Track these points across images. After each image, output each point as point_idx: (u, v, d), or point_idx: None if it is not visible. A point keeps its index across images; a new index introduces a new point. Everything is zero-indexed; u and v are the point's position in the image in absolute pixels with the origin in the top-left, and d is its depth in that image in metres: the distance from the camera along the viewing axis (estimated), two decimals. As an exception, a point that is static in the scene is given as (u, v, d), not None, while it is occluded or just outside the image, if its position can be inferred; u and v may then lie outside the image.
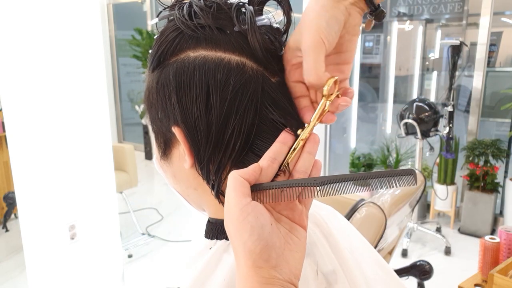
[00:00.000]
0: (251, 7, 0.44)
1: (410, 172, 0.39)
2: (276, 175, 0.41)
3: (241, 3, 0.45)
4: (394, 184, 0.39)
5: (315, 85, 0.42)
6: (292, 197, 0.39)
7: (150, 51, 0.47)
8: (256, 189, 0.39)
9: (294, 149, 0.42)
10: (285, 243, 0.38)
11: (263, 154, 0.41)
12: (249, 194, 0.37)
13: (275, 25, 0.46)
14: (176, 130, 0.44)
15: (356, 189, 0.40)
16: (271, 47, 0.44)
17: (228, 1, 0.45)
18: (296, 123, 0.44)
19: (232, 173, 0.38)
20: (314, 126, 0.43)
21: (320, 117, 0.43)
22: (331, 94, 0.42)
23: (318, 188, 0.39)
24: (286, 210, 0.40)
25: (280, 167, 0.41)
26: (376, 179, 0.39)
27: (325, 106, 0.43)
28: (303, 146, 0.42)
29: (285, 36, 0.47)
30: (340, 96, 0.44)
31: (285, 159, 0.41)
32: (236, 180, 0.37)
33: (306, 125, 0.43)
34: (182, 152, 0.46)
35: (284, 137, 0.41)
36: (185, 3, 0.45)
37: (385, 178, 0.39)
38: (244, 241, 0.36)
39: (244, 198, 0.37)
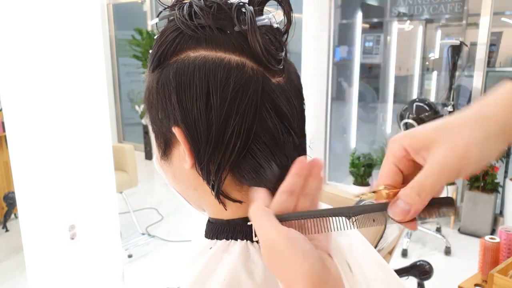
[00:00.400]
0: (251, 7, 0.44)
1: (451, 202, 0.36)
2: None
3: (241, 3, 0.44)
4: (435, 215, 0.37)
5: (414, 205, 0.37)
6: (321, 228, 0.38)
7: (150, 51, 0.47)
8: (282, 220, 0.37)
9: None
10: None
11: (260, 157, 0.41)
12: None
13: (275, 25, 0.46)
14: (176, 130, 0.44)
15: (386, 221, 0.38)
16: (271, 47, 0.44)
17: (229, 1, 0.45)
18: (292, 124, 0.44)
19: (257, 205, 0.38)
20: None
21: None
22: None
23: (353, 218, 0.37)
24: (316, 238, 0.39)
25: None
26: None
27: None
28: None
29: (285, 36, 0.47)
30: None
31: None
32: (266, 211, 0.37)
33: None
34: (182, 152, 0.46)
35: (299, 168, 0.40)
36: (185, 3, 0.45)
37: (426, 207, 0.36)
38: (300, 266, 0.34)
39: (281, 227, 0.36)
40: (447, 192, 3.25)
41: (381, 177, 0.40)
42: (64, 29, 1.80)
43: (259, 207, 0.38)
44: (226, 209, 0.47)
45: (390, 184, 0.39)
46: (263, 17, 0.45)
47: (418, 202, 0.36)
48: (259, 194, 0.42)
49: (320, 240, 0.39)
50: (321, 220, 0.37)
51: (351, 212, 0.36)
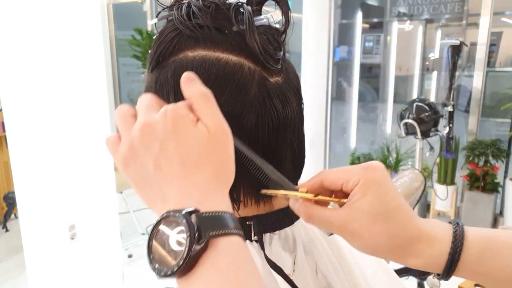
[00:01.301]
0: (249, 7, 0.44)
1: None
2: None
3: (239, 3, 0.45)
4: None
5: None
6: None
7: (149, 51, 0.47)
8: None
9: None
10: None
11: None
12: None
13: (274, 25, 0.46)
14: None
15: None
16: (270, 47, 0.44)
17: (227, 1, 0.45)
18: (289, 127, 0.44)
19: (207, 92, 0.38)
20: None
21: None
22: None
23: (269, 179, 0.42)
24: None
25: None
26: None
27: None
28: None
29: (283, 36, 0.47)
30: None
31: None
32: (214, 100, 0.39)
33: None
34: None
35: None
36: (184, 3, 0.45)
37: None
38: (226, 159, 0.37)
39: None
40: (447, 192, 3.25)
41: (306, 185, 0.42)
42: (64, 29, 1.80)
43: (210, 94, 0.38)
44: None
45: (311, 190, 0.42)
46: (261, 17, 0.45)
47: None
48: None
49: None
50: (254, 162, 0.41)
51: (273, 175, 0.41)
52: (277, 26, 0.46)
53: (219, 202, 0.35)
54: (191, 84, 0.38)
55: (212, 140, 0.36)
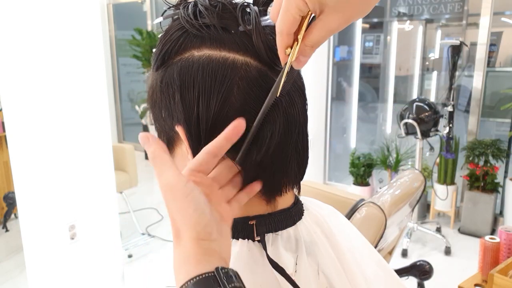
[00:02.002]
0: (256, 7, 0.44)
1: None
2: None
3: (246, 3, 0.45)
4: None
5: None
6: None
7: (154, 50, 0.47)
8: None
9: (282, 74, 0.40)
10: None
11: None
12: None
13: None
14: (179, 129, 0.44)
15: None
16: (275, 47, 0.44)
17: (233, 1, 0.45)
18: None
19: (162, 150, 0.39)
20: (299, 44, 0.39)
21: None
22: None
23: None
24: (217, 205, 0.42)
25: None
26: None
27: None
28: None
29: None
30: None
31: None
32: (169, 157, 0.39)
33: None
34: (185, 151, 0.46)
35: (230, 134, 0.41)
36: (190, 2, 0.45)
37: None
38: (190, 215, 0.37)
39: (181, 175, 0.38)
40: (447, 192, 3.25)
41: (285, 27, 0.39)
42: (64, 29, 1.80)
43: (165, 151, 0.39)
44: None
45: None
46: (267, 17, 0.45)
47: (311, 52, 0.39)
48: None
49: (223, 212, 0.42)
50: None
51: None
52: None
53: (201, 261, 0.37)
54: (146, 146, 0.40)
55: (169, 200, 0.38)
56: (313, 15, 0.38)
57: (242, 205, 0.44)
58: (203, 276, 0.35)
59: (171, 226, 0.39)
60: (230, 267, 0.44)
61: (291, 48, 0.39)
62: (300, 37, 0.38)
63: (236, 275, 0.37)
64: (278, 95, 0.41)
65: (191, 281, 0.35)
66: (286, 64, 0.40)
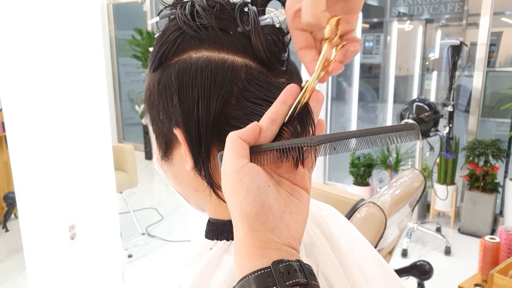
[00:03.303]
0: (254, 8, 0.44)
1: (412, 127, 0.36)
2: (278, 137, 0.38)
3: (243, 3, 0.44)
4: (396, 140, 0.37)
5: (313, 26, 0.37)
6: (290, 158, 0.37)
7: (150, 49, 0.47)
8: (255, 151, 0.37)
9: (299, 102, 0.38)
10: (285, 205, 0.37)
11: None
12: (246, 156, 0.36)
13: (277, 25, 0.45)
14: (177, 132, 0.44)
15: (355, 147, 0.39)
16: (275, 48, 0.43)
17: (231, 1, 0.44)
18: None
19: (231, 134, 0.37)
20: (319, 76, 0.39)
21: (326, 66, 0.39)
22: (334, 38, 0.38)
23: (314, 147, 0.37)
24: (287, 172, 0.39)
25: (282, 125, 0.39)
26: (376, 135, 0.37)
27: (329, 52, 0.38)
28: (308, 100, 0.39)
29: (288, 36, 0.46)
30: (346, 45, 0.39)
31: (288, 115, 0.39)
32: (234, 141, 0.36)
33: (309, 78, 0.40)
34: (183, 153, 0.46)
35: (285, 95, 0.38)
36: (187, 2, 0.45)
37: (386, 134, 0.37)
38: (240, 203, 0.34)
39: (241, 159, 0.35)
40: (447, 192, 3.25)
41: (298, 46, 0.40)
42: (64, 29, 1.80)
43: (232, 136, 0.36)
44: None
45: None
46: (265, 16, 0.44)
47: (312, 19, 0.36)
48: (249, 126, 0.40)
49: (296, 178, 0.39)
50: (289, 151, 0.37)
51: (313, 141, 0.37)
52: (279, 25, 0.46)
53: (255, 255, 0.34)
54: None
55: (224, 185, 0.36)
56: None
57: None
58: (258, 273, 0.33)
59: (230, 212, 0.37)
60: (232, 270, 0.44)
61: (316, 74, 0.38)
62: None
63: (302, 266, 0.34)
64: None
65: (246, 278, 0.33)
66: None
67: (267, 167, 0.38)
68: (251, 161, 0.36)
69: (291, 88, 0.38)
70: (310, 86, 0.39)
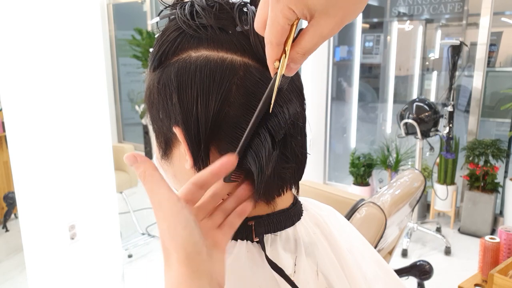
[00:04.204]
0: (253, 7, 0.44)
1: None
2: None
3: (243, 3, 0.44)
4: None
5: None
6: None
7: (150, 49, 0.47)
8: None
9: (271, 89, 0.38)
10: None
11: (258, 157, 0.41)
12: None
13: None
14: (177, 130, 0.44)
15: None
16: None
17: (230, 1, 0.45)
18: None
19: (153, 168, 0.38)
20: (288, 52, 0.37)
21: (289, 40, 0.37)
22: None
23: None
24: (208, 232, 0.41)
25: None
26: None
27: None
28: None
29: None
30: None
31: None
32: (160, 176, 0.38)
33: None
34: (183, 152, 0.46)
35: (218, 168, 0.38)
36: (187, 2, 0.45)
37: None
38: (179, 234, 0.35)
39: (173, 193, 0.37)
40: (447, 192, 3.25)
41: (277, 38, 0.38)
42: (64, 29, 1.80)
43: (155, 169, 0.37)
44: None
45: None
46: None
47: (303, 59, 0.37)
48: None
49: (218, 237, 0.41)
50: None
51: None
52: None
53: (191, 286, 0.35)
54: (134, 167, 0.38)
55: (159, 218, 0.37)
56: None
57: (235, 228, 0.43)
58: None
59: (162, 249, 0.38)
60: (232, 270, 0.44)
61: (279, 61, 0.37)
62: (287, 48, 0.36)
63: None
64: (270, 111, 0.40)
65: None
66: (276, 76, 0.38)
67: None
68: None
69: (227, 162, 0.38)
70: (283, 69, 0.38)
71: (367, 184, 3.66)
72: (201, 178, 0.39)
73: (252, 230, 0.46)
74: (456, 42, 2.97)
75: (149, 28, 5.01)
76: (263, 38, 0.42)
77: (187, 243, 0.35)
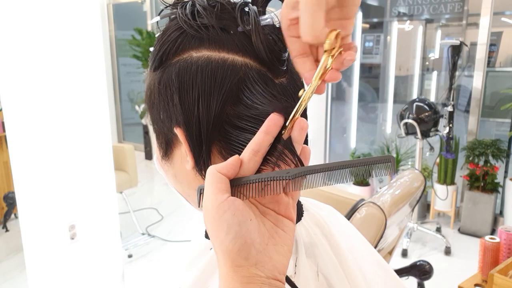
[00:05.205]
0: (255, 7, 0.44)
1: (388, 160, 0.37)
2: (264, 165, 0.38)
3: (244, 3, 0.44)
4: (373, 173, 0.37)
5: (313, 44, 0.37)
6: (273, 190, 0.37)
7: (151, 49, 0.47)
8: (236, 184, 0.37)
9: (294, 116, 0.38)
10: (269, 237, 0.37)
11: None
12: (227, 190, 0.36)
13: (278, 25, 0.45)
14: (178, 131, 0.44)
15: (332, 181, 0.38)
16: (275, 48, 0.43)
17: (232, 1, 0.44)
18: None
19: (210, 168, 0.36)
20: (316, 85, 0.38)
21: (323, 75, 0.38)
22: (333, 49, 0.37)
23: (291, 181, 0.37)
24: (272, 203, 0.38)
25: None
26: (352, 168, 0.37)
27: (327, 63, 0.38)
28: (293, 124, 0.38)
29: None
30: (343, 52, 0.38)
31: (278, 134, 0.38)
32: (214, 176, 0.36)
33: (306, 86, 0.39)
34: (183, 152, 0.46)
35: (268, 126, 0.37)
36: (188, 1, 0.45)
37: (361, 167, 0.37)
38: (221, 240, 0.34)
39: (221, 194, 0.35)
40: (447, 192, 3.25)
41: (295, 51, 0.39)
42: (64, 29, 1.80)
43: (211, 170, 0.36)
44: None
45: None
46: (266, 16, 0.44)
47: (312, 38, 0.36)
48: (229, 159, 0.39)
49: (280, 208, 0.38)
50: (271, 183, 0.36)
51: (289, 175, 0.36)
52: (280, 25, 0.46)
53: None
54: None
55: (205, 222, 0.36)
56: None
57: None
58: None
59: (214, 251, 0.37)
60: None
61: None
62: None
63: None
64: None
65: None
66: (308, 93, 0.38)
67: (251, 199, 0.38)
68: (234, 194, 0.36)
69: (274, 118, 0.38)
70: (307, 96, 0.38)
71: (367, 184, 3.66)
72: (255, 143, 0.37)
73: None
74: (456, 42, 2.97)
75: (149, 28, 5.00)
76: (265, 38, 0.42)
77: (231, 250, 0.34)
